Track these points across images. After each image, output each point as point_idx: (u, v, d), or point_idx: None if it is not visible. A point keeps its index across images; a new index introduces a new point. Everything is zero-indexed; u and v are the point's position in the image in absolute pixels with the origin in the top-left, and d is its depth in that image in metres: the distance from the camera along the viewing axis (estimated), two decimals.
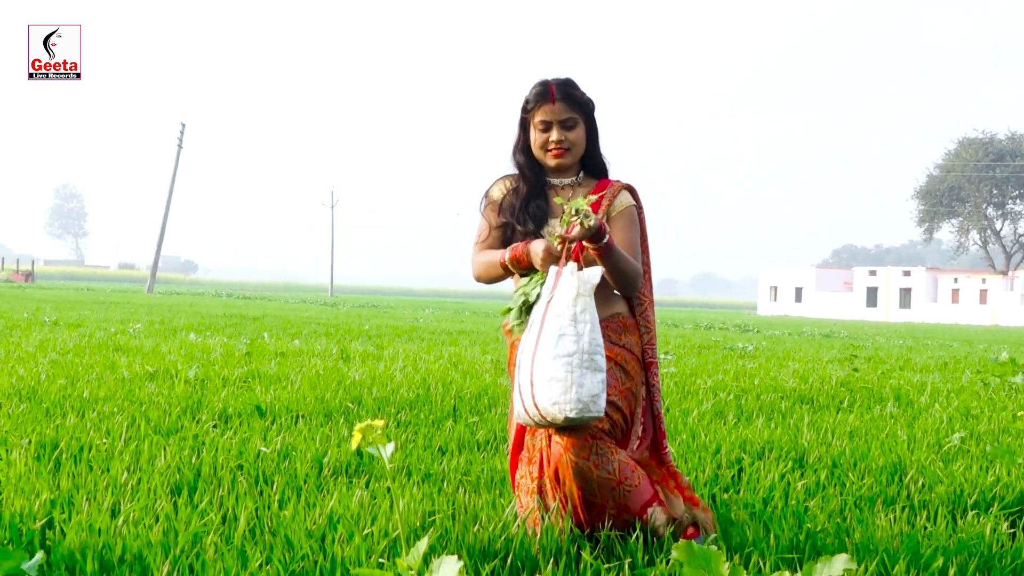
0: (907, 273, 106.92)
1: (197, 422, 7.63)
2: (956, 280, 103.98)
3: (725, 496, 5.87)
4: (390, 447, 2.33)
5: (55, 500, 4.92)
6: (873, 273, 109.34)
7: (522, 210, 4.70)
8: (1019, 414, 7.76)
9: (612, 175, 4.89)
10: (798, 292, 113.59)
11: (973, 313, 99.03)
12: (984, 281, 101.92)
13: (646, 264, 4.86)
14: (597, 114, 4.81)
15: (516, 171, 4.85)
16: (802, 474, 6.52)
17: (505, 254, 4.59)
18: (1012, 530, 5.35)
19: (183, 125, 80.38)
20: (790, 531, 4.97)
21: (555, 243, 4.41)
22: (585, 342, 4.21)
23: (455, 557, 2.49)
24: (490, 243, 4.78)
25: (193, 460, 6.05)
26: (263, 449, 6.44)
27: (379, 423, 2.34)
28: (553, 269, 4.38)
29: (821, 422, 8.93)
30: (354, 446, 2.54)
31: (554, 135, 4.63)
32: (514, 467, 4.74)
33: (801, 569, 4.35)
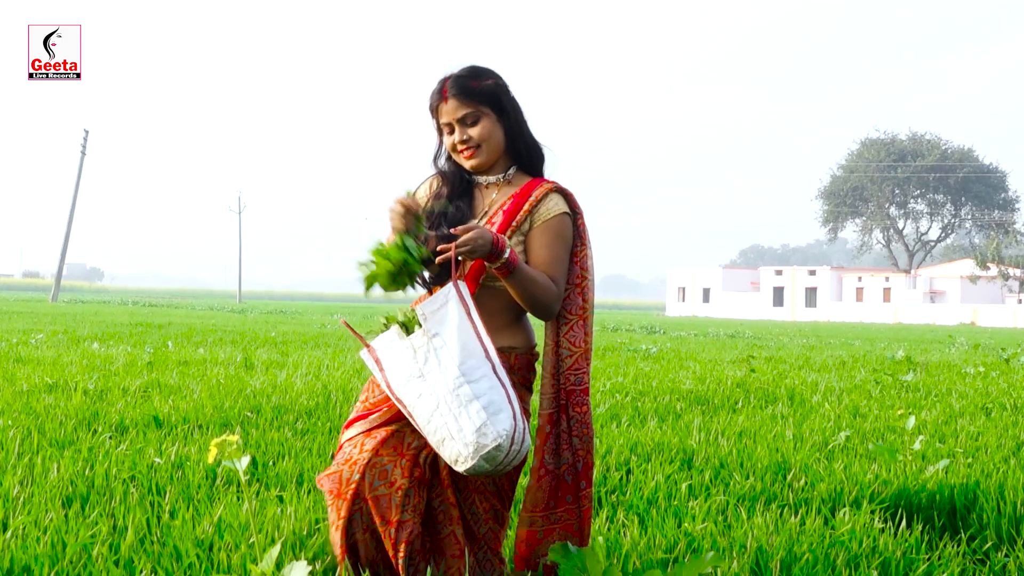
0: (812, 272, 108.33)
1: (94, 433, 7.65)
2: (860, 279, 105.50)
3: (612, 498, 6.02)
4: (245, 460, 2.44)
5: None
6: (779, 273, 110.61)
7: (441, 214, 4.22)
8: (900, 412, 8.00)
9: (548, 170, 4.35)
10: (706, 292, 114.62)
11: (877, 311, 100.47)
12: (888, 280, 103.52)
13: (584, 277, 4.27)
14: (518, 95, 4.27)
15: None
16: (688, 475, 6.69)
17: None
18: (884, 525, 5.56)
19: (86, 132, 79.42)
20: (670, 531, 5.14)
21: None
22: (440, 386, 3.75)
23: (304, 562, 2.60)
24: None
25: (87, 472, 6.08)
26: (157, 460, 6.49)
27: (234, 438, 2.44)
28: (370, 357, 3.94)
29: (712, 423, 9.12)
30: (210, 460, 2.63)
31: (456, 135, 4.16)
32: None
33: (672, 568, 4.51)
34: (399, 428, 4.05)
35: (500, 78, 4.21)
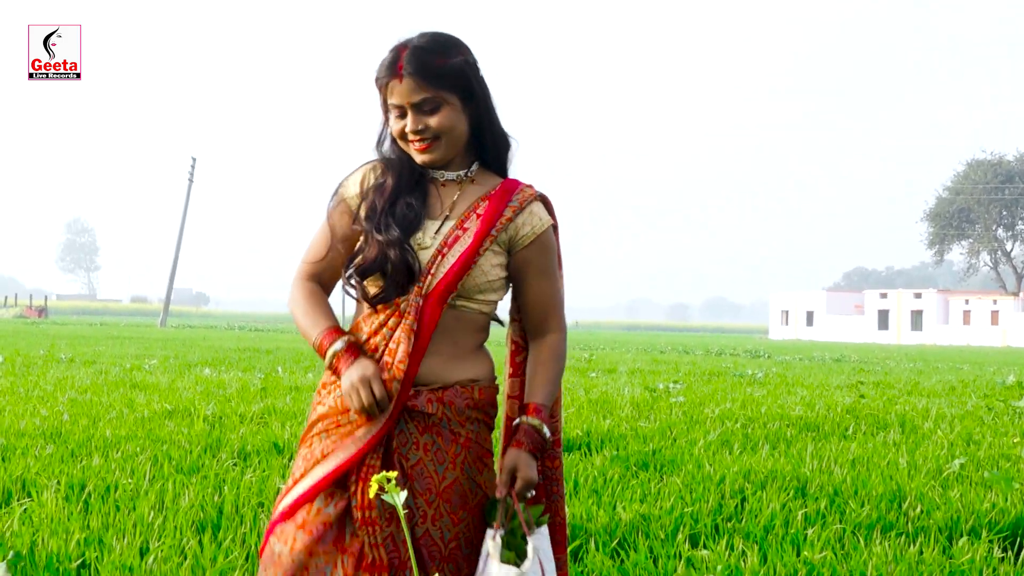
0: (918, 295, 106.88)
1: (217, 460, 7.86)
2: (967, 302, 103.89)
3: (728, 525, 6.08)
4: (403, 495, 2.56)
5: (87, 539, 5.16)
6: (884, 296, 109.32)
7: (386, 212, 3.26)
8: (1015, 440, 7.96)
9: (514, 170, 3.46)
10: (809, 316, 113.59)
11: (985, 334, 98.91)
12: (995, 302, 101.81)
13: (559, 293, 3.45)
14: (491, 79, 3.35)
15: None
16: (803, 503, 6.72)
17: (321, 341, 3.30)
18: (1004, 554, 5.56)
19: (194, 160, 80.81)
20: (789, 559, 5.19)
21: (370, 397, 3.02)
22: None
23: None
24: (327, 263, 3.40)
25: (216, 498, 6.28)
26: (282, 486, 6.66)
27: (393, 473, 2.55)
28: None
29: (824, 450, 9.12)
30: (371, 495, 2.76)
31: (409, 123, 3.23)
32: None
33: None
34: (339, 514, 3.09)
35: (470, 53, 3.31)
